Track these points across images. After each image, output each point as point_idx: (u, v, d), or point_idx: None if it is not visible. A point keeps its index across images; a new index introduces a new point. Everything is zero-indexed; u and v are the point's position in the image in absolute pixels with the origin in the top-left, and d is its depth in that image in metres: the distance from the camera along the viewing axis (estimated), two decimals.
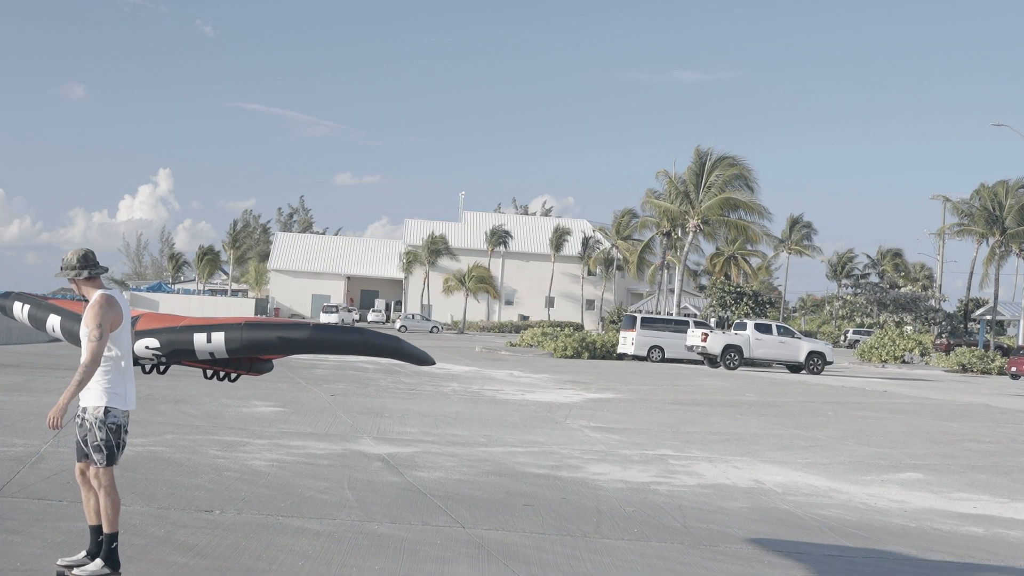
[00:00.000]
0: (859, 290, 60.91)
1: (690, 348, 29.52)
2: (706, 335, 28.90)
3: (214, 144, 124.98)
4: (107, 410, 4.32)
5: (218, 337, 4.62)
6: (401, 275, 71.40)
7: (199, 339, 4.66)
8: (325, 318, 56.72)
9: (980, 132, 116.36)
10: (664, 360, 30.90)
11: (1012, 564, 5.90)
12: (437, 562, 5.01)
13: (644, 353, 30.96)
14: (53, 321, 5.19)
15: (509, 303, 70.64)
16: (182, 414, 10.46)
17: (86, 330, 4.19)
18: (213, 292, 76.02)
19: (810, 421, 13.82)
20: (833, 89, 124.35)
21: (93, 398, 4.32)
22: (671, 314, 40.41)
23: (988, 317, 49.86)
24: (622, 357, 31.91)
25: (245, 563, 4.77)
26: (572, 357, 31.25)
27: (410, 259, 68.77)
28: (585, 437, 10.66)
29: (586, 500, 6.93)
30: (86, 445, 4.45)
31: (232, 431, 9.36)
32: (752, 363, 29.72)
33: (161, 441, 8.41)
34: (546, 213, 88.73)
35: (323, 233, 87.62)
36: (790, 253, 65.06)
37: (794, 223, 64.67)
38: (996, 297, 50.01)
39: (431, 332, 54.76)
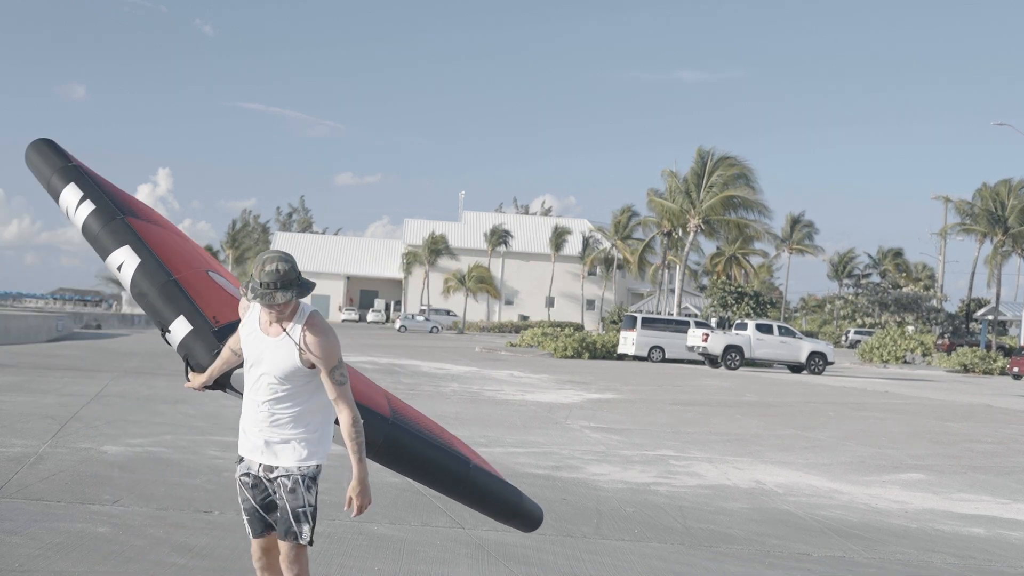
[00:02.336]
0: (860, 290, 60.88)
1: (691, 348, 29.50)
2: (707, 335, 28.87)
3: (214, 144, 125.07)
4: (319, 467, 3.18)
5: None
6: (401, 275, 71.37)
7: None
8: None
9: (982, 132, 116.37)
10: (665, 360, 30.88)
11: (1014, 565, 5.88)
12: (437, 563, 4.99)
13: (645, 353, 30.94)
14: (123, 260, 3.50)
15: (509, 303, 70.63)
16: (181, 415, 10.44)
17: (327, 367, 3.01)
18: None
19: (811, 422, 13.80)
20: (835, 89, 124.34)
21: (298, 454, 3.11)
22: (672, 314, 40.39)
23: (990, 317, 49.80)
24: (622, 357, 31.88)
25: (244, 564, 4.74)
26: (572, 357, 31.22)
27: (410, 259, 68.75)
28: (585, 437, 10.64)
29: (586, 501, 6.91)
30: (271, 512, 3.19)
31: (232, 432, 9.33)
32: (753, 363, 29.69)
33: (160, 442, 8.39)
34: (546, 213, 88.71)
35: (323, 233, 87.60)
36: (791, 253, 65.02)
37: (795, 222, 64.61)
38: (998, 297, 49.97)
39: (431, 332, 54.75)
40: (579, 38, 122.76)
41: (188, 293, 3.42)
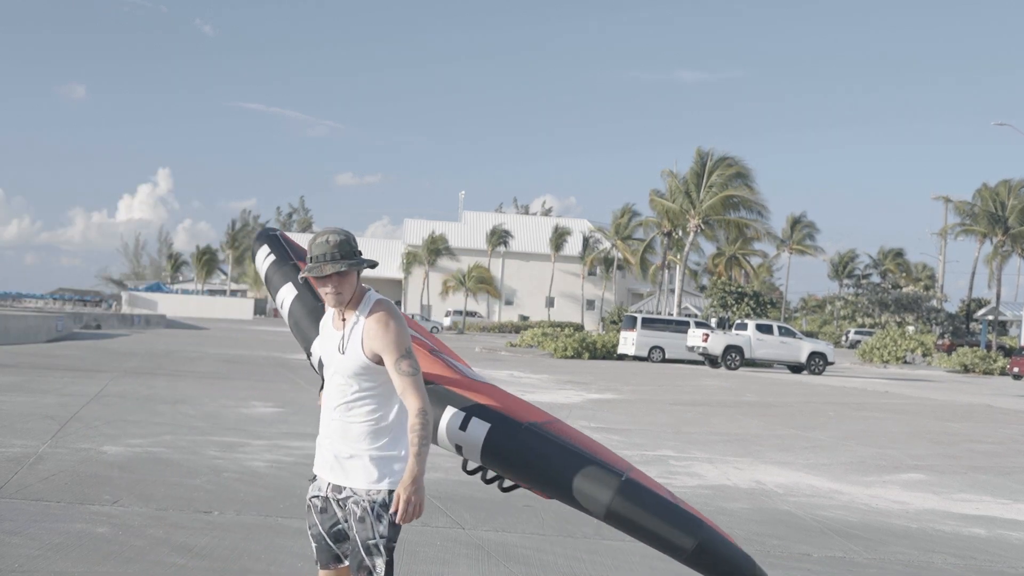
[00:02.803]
0: (861, 290, 60.83)
1: (691, 349, 29.48)
2: (707, 335, 28.86)
3: (214, 144, 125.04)
4: (391, 493, 2.68)
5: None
6: (401, 275, 71.33)
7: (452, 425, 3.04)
8: None
9: (982, 132, 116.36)
10: (665, 360, 30.87)
11: (1015, 566, 5.87)
12: (437, 563, 4.98)
13: (645, 353, 30.92)
14: (285, 295, 3.66)
15: (509, 303, 70.59)
16: (181, 415, 10.43)
17: (392, 357, 2.65)
18: (212, 292, 75.99)
19: (811, 422, 13.79)
20: (835, 89, 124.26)
21: (368, 473, 2.70)
22: (672, 314, 40.37)
23: (990, 317, 49.76)
24: (623, 357, 31.87)
25: (244, 564, 4.74)
26: (572, 357, 31.20)
27: (410, 259, 68.72)
28: None
29: None
30: (340, 542, 2.77)
31: (231, 432, 9.34)
32: (753, 363, 29.68)
33: (160, 442, 8.39)
34: (546, 213, 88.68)
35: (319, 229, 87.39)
36: (791, 253, 65.02)
37: (795, 222, 64.61)
38: (998, 297, 49.92)
39: (430, 332, 54.65)
40: (579, 38, 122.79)
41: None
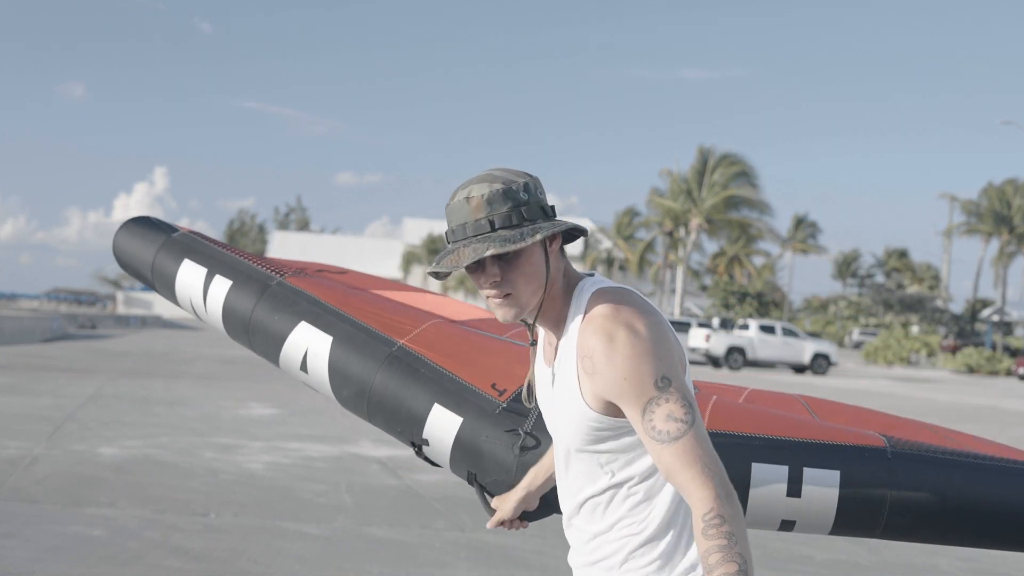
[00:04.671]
0: (865, 291, 60.80)
1: (693, 349, 29.44)
2: (709, 336, 28.82)
3: (212, 142, 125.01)
4: None
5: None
6: (400, 276, 71.33)
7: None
8: None
9: (988, 131, 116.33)
10: None
11: (1021, 569, 5.82)
12: (436, 566, 4.93)
13: None
14: (315, 350, 2.14)
15: None
16: (178, 416, 10.37)
17: (634, 405, 1.40)
18: None
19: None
20: (840, 87, 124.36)
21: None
22: (673, 314, 40.32)
23: (996, 318, 49.63)
24: None
25: (241, 567, 4.69)
26: None
27: (409, 259, 68.71)
28: None
29: None
30: None
31: (228, 433, 9.28)
32: (756, 364, 29.64)
33: (156, 443, 8.33)
34: None
35: (320, 232, 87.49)
36: (795, 252, 64.97)
37: (799, 222, 64.58)
38: (1004, 298, 49.84)
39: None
40: (582, 37, 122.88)
41: (435, 362, 1.99)
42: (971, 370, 34.82)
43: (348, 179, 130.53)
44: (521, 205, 1.45)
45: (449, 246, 1.47)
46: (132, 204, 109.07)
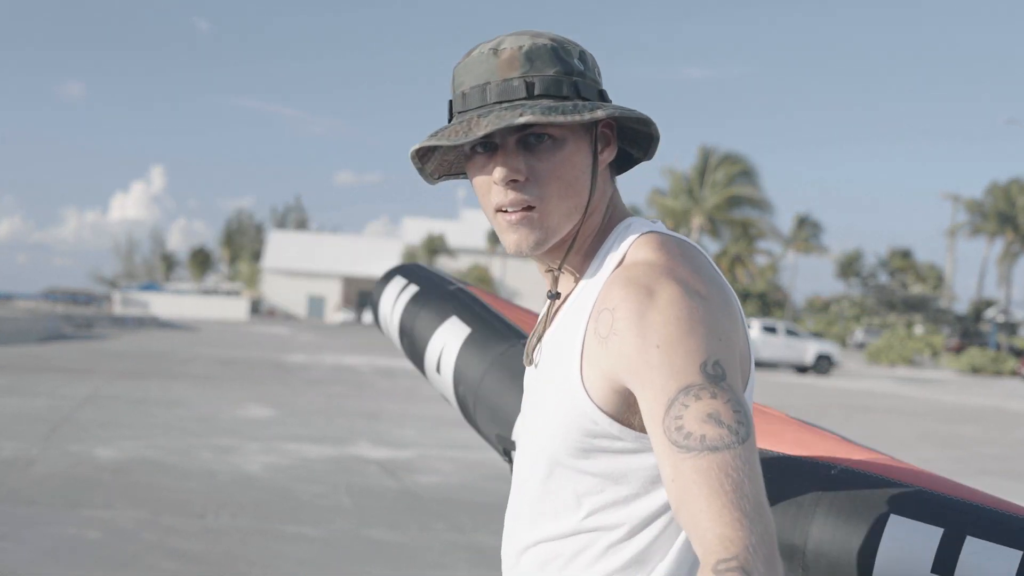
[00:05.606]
0: (868, 291, 60.79)
1: None
2: None
3: (210, 141, 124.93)
4: None
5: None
6: None
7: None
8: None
9: (992, 129, 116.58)
10: None
11: None
12: (436, 568, 4.91)
13: None
14: (443, 342, 1.81)
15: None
16: (174, 417, 10.33)
17: (661, 393, 0.86)
18: (206, 292, 75.85)
19: (817, 424, 13.71)
20: (843, 86, 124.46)
21: None
22: None
23: (1001, 320, 49.60)
24: None
25: (239, 569, 4.66)
26: None
27: (408, 259, 68.69)
28: None
29: None
30: None
31: (226, 434, 9.24)
32: (758, 364, 29.65)
33: (154, 445, 8.29)
34: None
35: (319, 231, 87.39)
36: (797, 252, 64.98)
37: (801, 222, 64.60)
38: (1008, 298, 49.83)
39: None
40: (583, 35, 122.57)
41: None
42: (975, 371, 34.71)
43: (347, 178, 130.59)
44: (574, 75, 0.96)
45: (456, 119, 0.97)
46: (129, 203, 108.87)
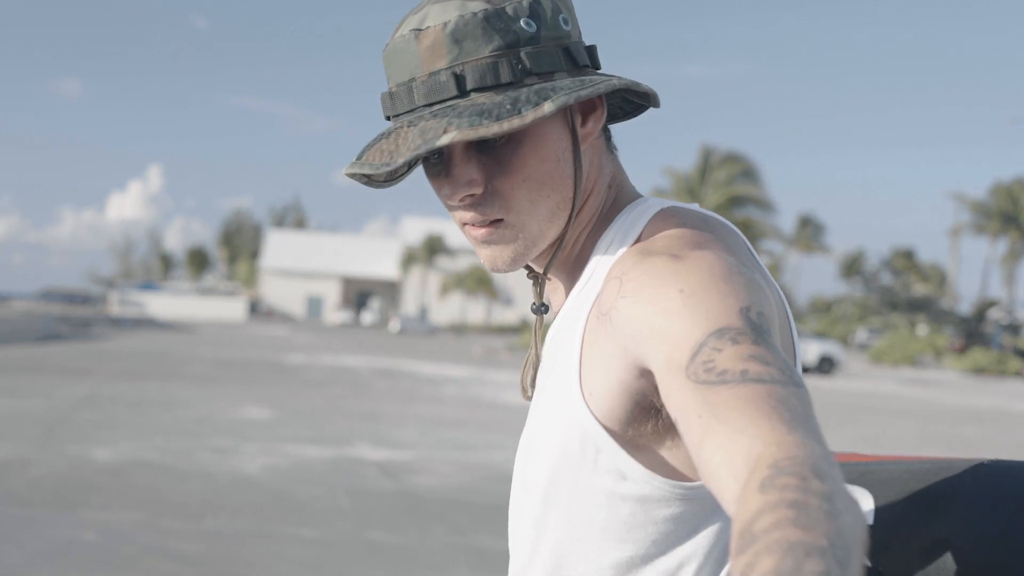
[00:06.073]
0: (871, 292, 60.80)
1: None
2: None
3: (208, 140, 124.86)
4: None
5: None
6: (398, 275, 71.22)
7: None
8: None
9: (995, 129, 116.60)
10: None
11: None
12: (435, 570, 4.88)
13: None
14: None
15: (509, 303, 70.53)
16: (172, 418, 10.30)
17: (678, 350, 0.66)
18: (204, 292, 75.78)
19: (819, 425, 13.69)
20: (843, 84, 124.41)
21: None
22: None
23: (1006, 323, 49.52)
24: None
25: (237, 572, 4.63)
26: None
27: (408, 259, 68.62)
28: None
29: None
30: None
31: (224, 436, 9.21)
32: None
33: (151, 446, 8.26)
34: None
35: (318, 230, 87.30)
36: (800, 252, 64.95)
37: (804, 222, 64.57)
38: (1013, 298, 49.78)
39: (430, 333, 54.62)
40: (584, 31, 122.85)
41: None
42: (979, 371, 34.60)
43: (346, 177, 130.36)
44: (521, 45, 0.77)
45: (389, 125, 0.81)
46: (127, 203, 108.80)
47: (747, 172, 38.31)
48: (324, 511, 6.10)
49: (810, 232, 64.29)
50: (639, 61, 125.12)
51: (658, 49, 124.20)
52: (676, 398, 0.64)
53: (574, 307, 0.79)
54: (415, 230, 71.08)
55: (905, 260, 68.79)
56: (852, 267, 70.60)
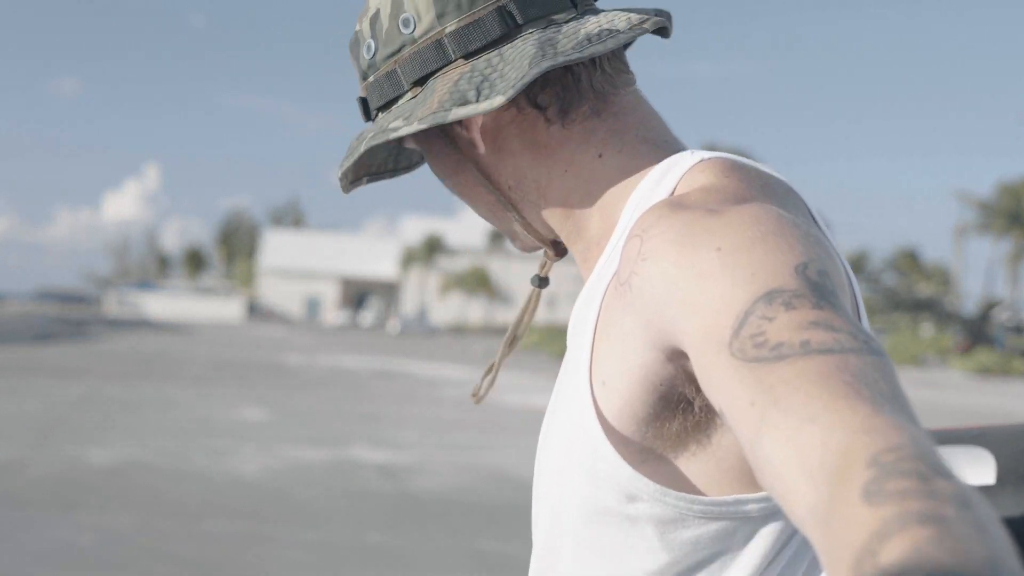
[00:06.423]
0: (874, 291, 60.79)
1: None
2: None
3: (206, 138, 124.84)
4: None
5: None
6: (397, 275, 71.21)
7: None
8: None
9: (999, 128, 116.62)
10: None
11: None
12: (434, 572, 4.85)
13: None
14: None
15: (509, 303, 70.56)
16: (169, 419, 10.26)
17: (716, 334, 0.53)
18: (202, 291, 75.76)
19: None
20: (845, 83, 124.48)
21: None
22: None
23: (1012, 325, 49.49)
24: None
25: (235, 575, 4.60)
26: None
27: (408, 259, 68.61)
28: None
29: None
30: None
31: (222, 437, 9.17)
32: None
33: (148, 447, 8.22)
34: None
35: (317, 230, 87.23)
36: None
37: None
38: (1018, 299, 49.78)
39: (430, 335, 54.63)
40: None
41: None
42: (984, 372, 34.57)
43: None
44: (371, 69, 0.74)
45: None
46: (124, 202, 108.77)
47: None
48: (322, 513, 6.07)
49: None
50: (641, 60, 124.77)
51: (662, 46, 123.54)
52: (719, 383, 0.52)
53: (595, 280, 0.68)
54: (415, 229, 71.05)
55: (909, 260, 68.86)
56: (856, 267, 70.63)
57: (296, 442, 9.09)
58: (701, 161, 0.67)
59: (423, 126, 0.66)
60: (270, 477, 7.19)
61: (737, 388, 0.50)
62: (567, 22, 0.69)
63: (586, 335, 0.65)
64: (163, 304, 63.25)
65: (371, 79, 0.72)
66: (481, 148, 0.71)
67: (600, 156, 0.71)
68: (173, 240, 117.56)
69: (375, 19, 0.72)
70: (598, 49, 0.66)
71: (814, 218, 0.68)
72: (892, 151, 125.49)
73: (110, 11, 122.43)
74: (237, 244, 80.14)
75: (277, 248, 73.78)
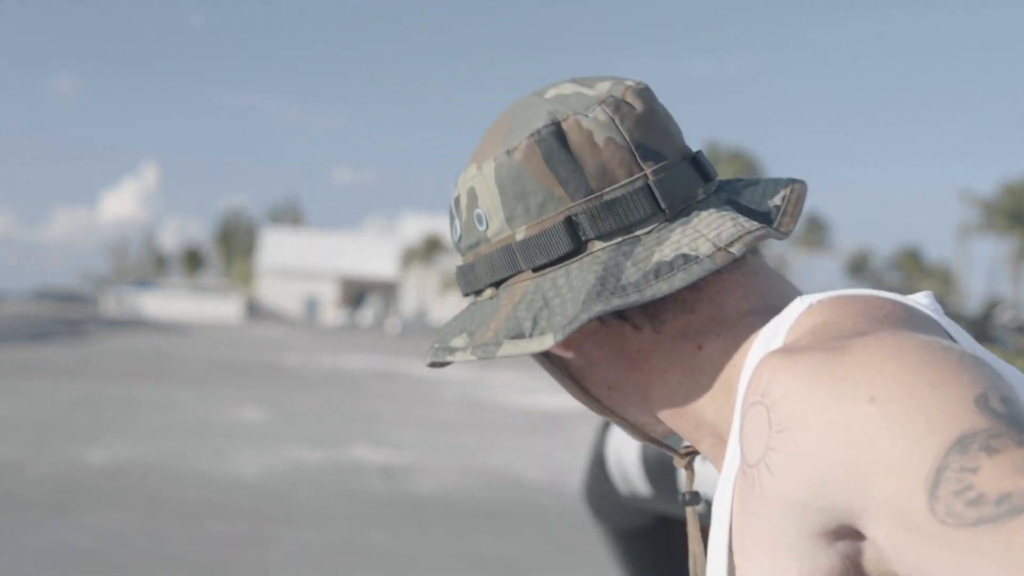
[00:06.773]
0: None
1: None
2: None
3: (204, 137, 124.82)
4: None
5: None
6: (397, 273, 71.22)
7: None
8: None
9: (1001, 127, 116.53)
10: None
11: None
12: (433, 573, 4.85)
13: None
14: None
15: None
16: (168, 420, 10.25)
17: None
18: (201, 290, 75.79)
19: None
20: (850, 81, 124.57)
21: None
22: None
23: (1014, 325, 49.46)
24: None
25: (234, 575, 4.59)
26: None
27: (407, 258, 68.62)
28: (589, 443, 10.49)
29: None
30: None
31: (220, 438, 9.16)
32: None
33: (146, 448, 8.21)
34: None
35: (316, 227, 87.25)
36: (806, 250, 65.04)
37: (809, 221, 64.61)
38: (1020, 298, 49.81)
39: (430, 335, 54.62)
40: (584, 24, 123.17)
41: None
42: None
43: (344, 174, 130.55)
44: (462, 249, 0.69)
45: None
46: (122, 201, 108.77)
47: (752, 169, 38.41)
48: (321, 514, 6.06)
49: (816, 231, 64.36)
50: (641, 55, 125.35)
51: (663, 44, 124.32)
52: (928, 561, 0.44)
53: (725, 476, 0.59)
54: (414, 228, 70.99)
55: (911, 259, 68.93)
56: (858, 266, 70.74)
57: (295, 442, 9.08)
58: (810, 306, 0.58)
59: (473, 358, 0.63)
60: (269, 477, 7.18)
61: (954, 562, 0.42)
62: (648, 233, 0.61)
63: (720, 542, 0.57)
64: (161, 303, 63.19)
65: (459, 264, 0.68)
66: (567, 355, 0.65)
67: (700, 348, 0.62)
68: (171, 239, 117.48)
69: (458, 203, 0.68)
70: (662, 288, 0.58)
71: (954, 336, 0.60)
72: (894, 150, 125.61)
73: (109, 10, 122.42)
74: (236, 243, 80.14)
75: (276, 247, 73.79)
